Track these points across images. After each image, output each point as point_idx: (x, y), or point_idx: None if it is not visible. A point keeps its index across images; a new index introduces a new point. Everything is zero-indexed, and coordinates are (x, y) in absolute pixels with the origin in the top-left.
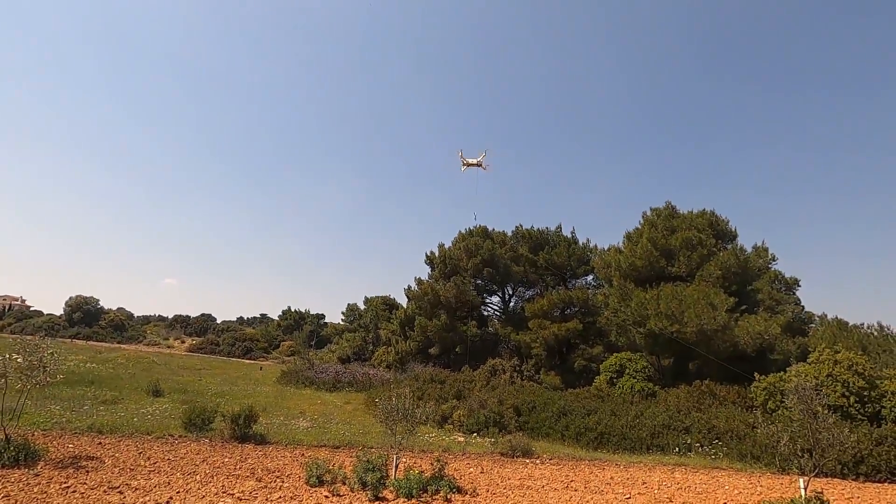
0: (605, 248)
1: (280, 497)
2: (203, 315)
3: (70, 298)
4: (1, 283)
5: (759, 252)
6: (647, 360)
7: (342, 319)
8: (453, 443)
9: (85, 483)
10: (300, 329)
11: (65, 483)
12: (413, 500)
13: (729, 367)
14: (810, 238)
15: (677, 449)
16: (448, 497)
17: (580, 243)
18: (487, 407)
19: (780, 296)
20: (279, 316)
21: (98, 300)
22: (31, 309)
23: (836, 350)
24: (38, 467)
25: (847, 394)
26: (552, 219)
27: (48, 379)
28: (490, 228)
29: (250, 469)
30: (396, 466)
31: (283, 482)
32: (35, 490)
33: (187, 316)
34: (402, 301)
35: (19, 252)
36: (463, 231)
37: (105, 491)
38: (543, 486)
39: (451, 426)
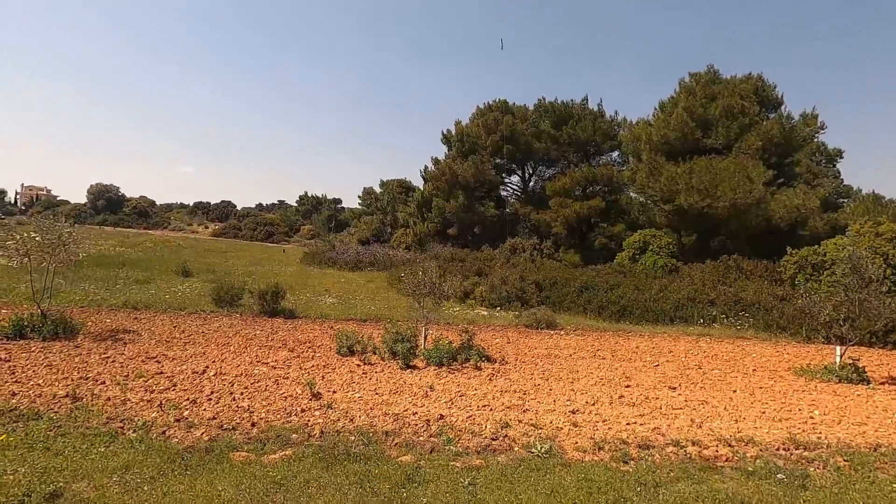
0: (634, 122)
1: (313, 365)
2: (223, 202)
3: (91, 186)
4: (29, 175)
5: (807, 120)
6: (671, 238)
7: (359, 203)
8: (477, 316)
9: (123, 353)
10: (318, 213)
11: (104, 353)
12: (443, 368)
13: (759, 242)
14: (856, 109)
15: (701, 321)
16: (478, 365)
17: (607, 116)
18: (509, 283)
19: (819, 169)
20: (297, 201)
21: (119, 188)
22: (58, 198)
23: (879, 222)
24: (78, 340)
25: (885, 266)
26: (577, 92)
27: (70, 257)
28: (510, 102)
29: (282, 340)
30: (425, 337)
31: (314, 352)
32: (76, 360)
33: (208, 203)
34: (419, 183)
35: (41, 142)
36: (481, 106)
37: (143, 360)
38: (571, 355)
39: (474, 301)
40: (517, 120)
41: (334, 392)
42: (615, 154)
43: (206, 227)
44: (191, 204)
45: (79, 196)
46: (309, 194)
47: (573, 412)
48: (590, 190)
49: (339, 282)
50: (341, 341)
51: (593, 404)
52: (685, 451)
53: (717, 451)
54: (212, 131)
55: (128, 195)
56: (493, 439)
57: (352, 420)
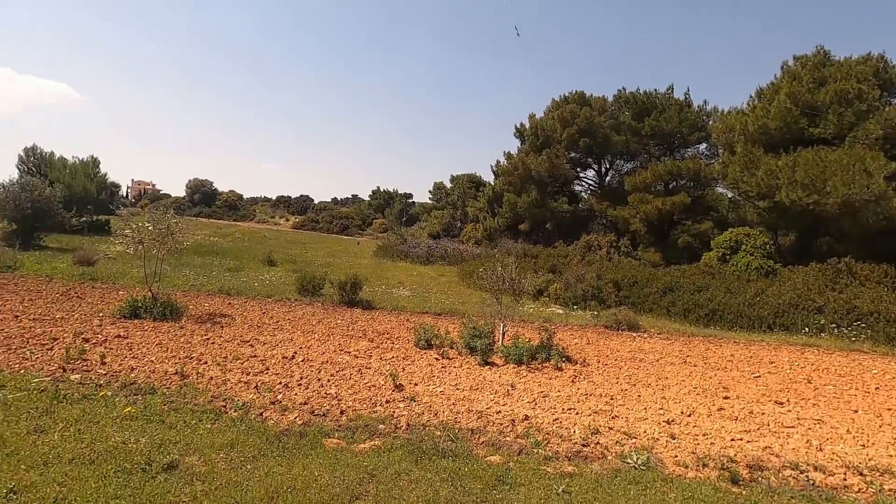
0: (726, 111)
1: (393, 357)
2: (302, 196)
3: (189, 181)
4: (137, 171)
5: None
6: (767, 237)
7: (429, 198)
8: (553, 314)
9: (221, 336)
10: (390, 207)
11: (205, 335)
12: (523, 367)
13: (875, 243)
14: None
15: (806, 329)
16: (559, 365)
17: (694, 106)
18: (585, 281)
19: None
20: (369, 196)
21: (212, 182)
22: (161, 192)
23: None
24: (182, 322)
25: None
26: (661, 82)
27: (177, 246)
28: (588, 94)
29: (361, 331)
30: (503, 334)
31: (392, 343)
32: (181, 340)
33: (289, 196)
34: (488, 178)
35: (146, 141)
36: (557, 98)
37: (238, 344)
38: (658, 360)
39: (548, 299)
40: (595, 112)
41: (416, 385)
42: (703, 146)
43: (287, 220)
44: (273, 198)
45: (179, 190)
46: (381, 189)
47: (668, 422)
48: (673, 185)
49: (412, 275)
50: (419, 334)
51: (689, 415)
52: (807, 476)
53: (845, 479)
54: (291, 131)
55: (220, 189)
56: (583, 445)
57: (436, 414)
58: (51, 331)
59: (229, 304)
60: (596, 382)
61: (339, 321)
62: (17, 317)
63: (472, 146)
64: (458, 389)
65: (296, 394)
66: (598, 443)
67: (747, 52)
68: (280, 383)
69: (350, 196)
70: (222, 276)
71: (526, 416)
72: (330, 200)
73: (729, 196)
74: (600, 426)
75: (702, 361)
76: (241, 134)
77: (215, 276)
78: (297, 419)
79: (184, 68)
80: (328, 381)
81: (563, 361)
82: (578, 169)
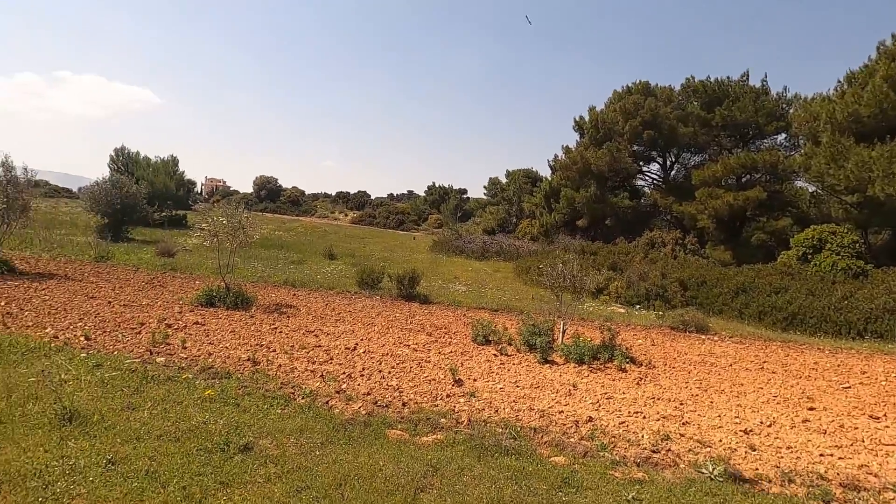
0: (809, 98)
1: (451, 351)
2: (359, 192)
3: (256, 178)
4: (209, 168)
5: None
6: (856, 235)
7: (484, 193)
8: (614, 313)
9: (287, 326)
10: (445, 202)
11: (273, 325)
12: (584, 367)
13: None
14: None
15: None
16: (622, 367)
17: (772, 94)
18: (648, 280)
19: None
20: (425, 191)
21: (277, 179)
22: (231, 189)
23: None
24: (252, 311)
25: None
26: (734, 69)
27: (248, 239)
28: (653, 84)
29: (419, 324)
30: (563, 332)
31: (450, 338)
32: (252, 328)
33: (347, 192)
34: (545, 173)
35: (218, 140)
36: (619, 89)
37: (304, 334)
38: (731, 365)
39: (608, 297)
40: (660, 103)
41: (475, 380)
42: (781, 137)
43: (346, 215)
44: (333, 193)
45: (247, 186)
46: (436, 184)
47: (746, 432)
48: (746, 179)
49: (467, 270)
50: (477, 330)
51: (769, 425)
52: None
53: None
54: (348, 130)
55: (284, 186)
56: (653, 451)
57: (496, 411)
58: (138, 316)
59: (294, 295)
60: (663, 386)
61: (397, 314)
62: (110, 303)
63: (529, 141)
64: (517, 387)
65: (359, 384)
66: (669, 450)
67: (832, 36)
68: (344, 373)
69: (406, 192)
70: (287, 269)
71: (590, 417)
72: (386, 196)
73: (811, 190)
74: (671, 432)
75: (781, 368)
76: (304, 132)
77: (281, 268)
78: (362, 409)
79: (253, 71)
80: (389, 373)
81: (627, 363)
82: (641, 163)
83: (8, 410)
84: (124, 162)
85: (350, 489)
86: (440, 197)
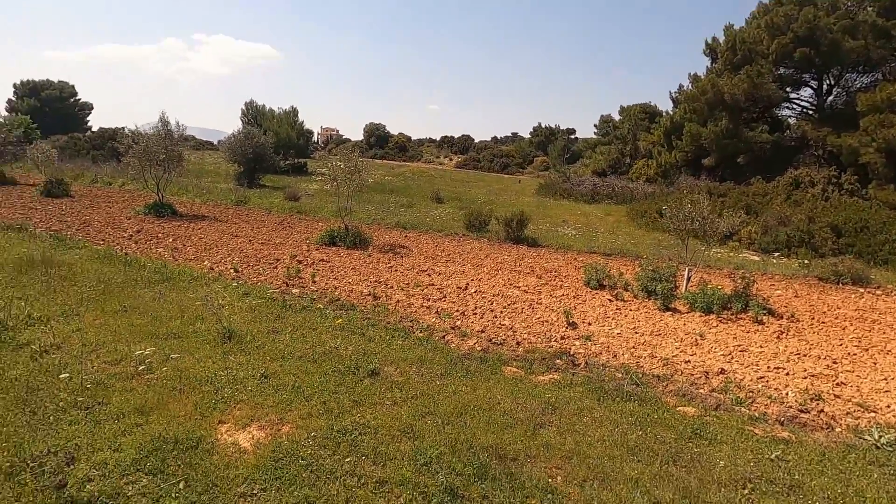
0: None
1: (563, 294)
2: (463, 136)
3: (366, 125)
4: (324, 118)
5: None
6: None
7: (595, 132)
8: (746, 261)
9: (402, 265)
10: (552, 144)
11: (388, 264)
12: (712, 317)
13: None
14: None
15: None
16: (759, 318)
17: None
18: (791, 224)
19: None
20: (530, 133)
21: (385, 126)
22: (344, 137)
23: None
24: (369, 250)
25: None
26: None
27: (362, 182)
28: None
29: (528, 267)
30: (688, 279)
31: (561, 281)
32: (370, 266)
33: (452, 136)
34: (665, 107)
35: (331, 90)
36: (766, 1)
37: (417, 273)
38: None
39: (738, 244)
40: (820, 13)
41: (589, 324)
42: None
43: (451, 160)
44: (438, 138)
45: (357, 134)
46: (542, 125)
47: None
48: None
49: (576, 214)
50: (590, 273)
51: None
52: None
53: None
54: (452, 73)
55: (391, 132)
56: (800, 411)
57: (615, 356)
58: (274, 253)
59: (406, 236)
60: (810, 342)
61: (505, 257)
62: (250, 241)
63: (645, 74)
64: (636, 333)
65: (472, 322)
66: (821, 410)
67: None
68: (457, 311)
69: (510, 134)
70: (398, 212)
71: (721, 369)
72: (490, 139)
73: None
74: (822, 392)
75: None
76: (410, 77)
77: (392, 211)
78: (477, 345)
79: (363, 19)
80: (501, 312)
81: (765, 314)
82: (788, 89)
83: (183, 327)
84: (253, 115)
85: (471, 418)
86: (546, 138)
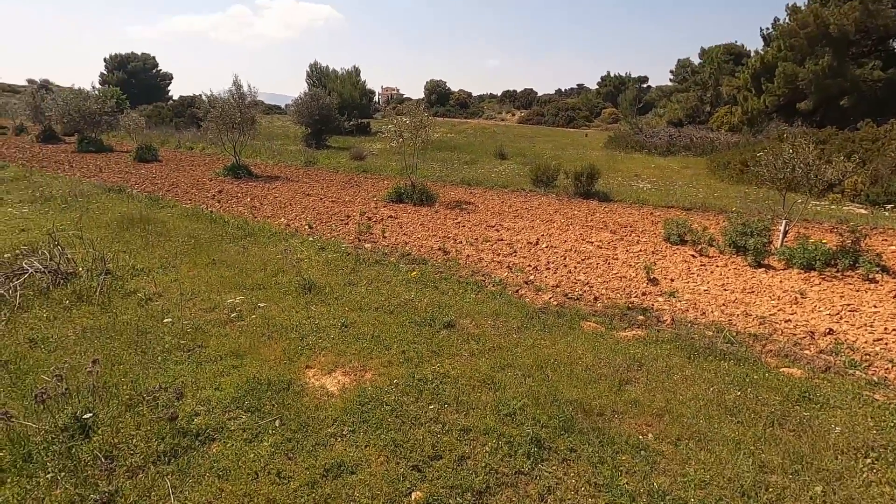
0: None
1: (640, 250)
2: (525, 90)
3: (427, 83)
4: (384, 78)
5: None
6: None
7: (670, 79)
8: (850, 215)
9: (469, 221)
10: (622, 93)
11: (455, 219)
12: (813, 274)
13: None
14: None
15: None
16: (870, 276)
17: None
18: None
19: None
20: (598, 83)
21: (446, 82)
22: (405, 96)
23: None
24: (436, 207)
25: None
26: None
27: (428, 137)
28: None
29: (601, 222)
30: (784, 233)
31: (637, 237)
32: (437, 222)
33: (514, 91)
34: (753, 47)
35: (391, 50)
36: None
37: (485, 228)
38: None
39: (840, 196)
40: None
41: (672, 280)
42: None
43: (513, 115)
44: (499, 94)
45: (418, 92)
46: (611, 74)
47: None
48: None
49: (649, 167)
50: (670, 228)
51: None
52: None
53: None
54: (512, 26)
55: (452, 89)
56: None
57: (703, 314)
58: (344, 210)
59: (471, 193)
60: None
61: (576, 212)
62: (321, 199)
63: (731, 11)
64: (726, 290)
65: (546, 276)
66: None
67: None
68: (529, 265)
69: (575, 86)
70: (461, 169)
71: (829, 329)
72: (553, 92)
73: None
74: None
75: None
76: (470, 31)
77: (455, 168)
78: (552, 300)
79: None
80: (575, 267)
81: (878, 271)
82: None
83: (266, 279)
84: (317, 76)
85: (552, 372)
86: (615, 88)
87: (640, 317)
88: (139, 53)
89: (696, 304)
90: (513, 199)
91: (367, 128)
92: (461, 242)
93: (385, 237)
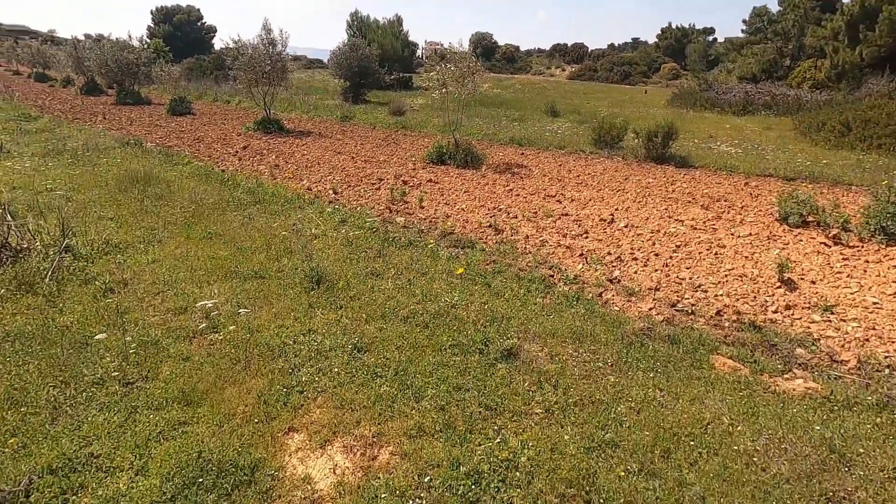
0: None
1: (750, 233)
2: (576, 44)
3: (472, 35)
4: (428, 32)
5: None
6: None
7: (743, 30)
8: None
9: (523, 188)
10: (687, 46)
11: (507, 186)
12: None
13: None
14: None
15: None
16: None
17: None
18: None
19: None
20: (657, 36)
21: (492, 35)
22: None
23: None
24: (482, 170)
25: None
26: None
27: (476, 88)
28: None
29: (686, 193)
30: None
31: (738, 213)
32: (485, 189)
33: (564, 45)
34: None
35: (432, 2)
36: None
37: (544, 198)
38: None
39: None
40: None
41: (814, 283)
42: None
43: (563, 70)
44: (548, 48)
45: (463, 46)
46: (673, 25)
47: None
48: None
49: (723, 127)
50: (788, 205)
51: None
52: None
53: None
54: None
55: (498, 42)
56: None
57: (893, 342)
58: (377, 172)
59: (522, 154)
60: None
61: (650, 180)
62: (353, 158)
63: None
64: None
65: (636, 272)
66: None
67: None
68: (608, 253)
69: (630, 40)
70: (510, 126)
71: None
72: (606, 47)
73: None
74: None
75: None
76: None
77: (503, 126)
78: (654, 312)
79: None
80: (671, 258)
81: None
82: None
83: (267, 263)
84: (358, 26)
85: (685, 460)
86: (677, 41)
87: (800, 349)
88: (184, 6)
89: (873, 326)
90: (572, 162)
91: (408, 82)
92: (516, 217)
93: (423, 207)
